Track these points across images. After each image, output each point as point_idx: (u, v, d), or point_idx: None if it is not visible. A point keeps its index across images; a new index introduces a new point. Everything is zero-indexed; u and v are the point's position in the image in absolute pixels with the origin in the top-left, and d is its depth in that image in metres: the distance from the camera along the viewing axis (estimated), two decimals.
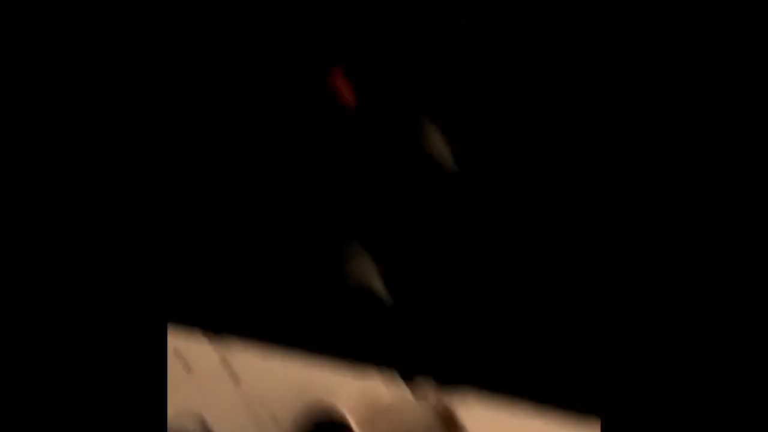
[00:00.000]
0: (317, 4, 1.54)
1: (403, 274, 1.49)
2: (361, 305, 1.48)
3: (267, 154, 1.50)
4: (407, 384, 1.36)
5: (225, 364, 1.29)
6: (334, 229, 1.48)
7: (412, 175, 1.53)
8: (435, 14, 1.59)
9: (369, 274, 1.47)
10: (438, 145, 1.53)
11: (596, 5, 1.58)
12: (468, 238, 1.51)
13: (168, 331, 1.18)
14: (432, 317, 1.48)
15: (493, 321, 1.48)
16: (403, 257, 1.50)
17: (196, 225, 1.46)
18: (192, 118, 1.48)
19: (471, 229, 1.51)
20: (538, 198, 1.52)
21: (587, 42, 1.61)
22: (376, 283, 1.47)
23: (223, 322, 1.33)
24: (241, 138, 1.49)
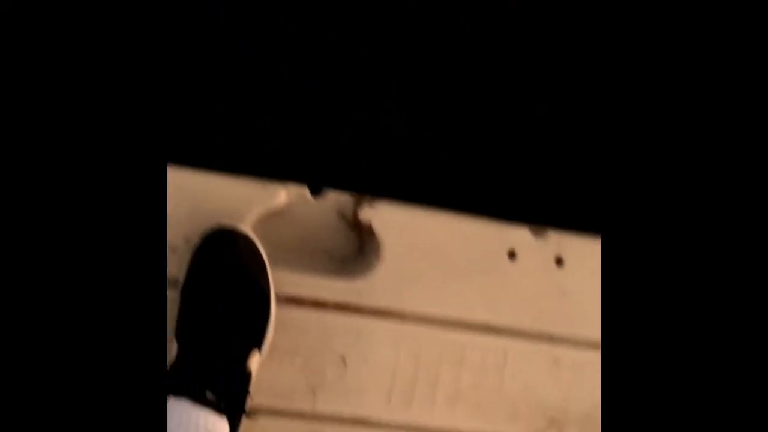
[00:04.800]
0: (317, 4, 1.54)
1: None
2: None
3: (267, 154, 1.50)
4: (315, 196, 1.38)
5: None
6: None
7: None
8: (435, 14, 1.59)
9: None
10: None
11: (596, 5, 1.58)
12: None
13: None
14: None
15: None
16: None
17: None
18: (192, 118, 1.48)
19: None
20: None
21: (587, 42, 1.61)
22: None
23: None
24: (241, 138, 1.49)
